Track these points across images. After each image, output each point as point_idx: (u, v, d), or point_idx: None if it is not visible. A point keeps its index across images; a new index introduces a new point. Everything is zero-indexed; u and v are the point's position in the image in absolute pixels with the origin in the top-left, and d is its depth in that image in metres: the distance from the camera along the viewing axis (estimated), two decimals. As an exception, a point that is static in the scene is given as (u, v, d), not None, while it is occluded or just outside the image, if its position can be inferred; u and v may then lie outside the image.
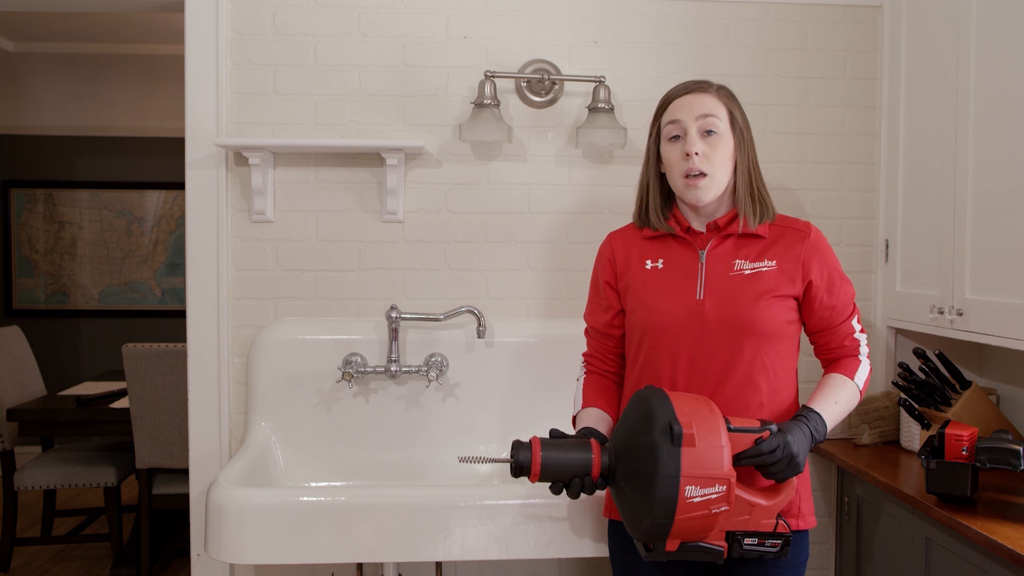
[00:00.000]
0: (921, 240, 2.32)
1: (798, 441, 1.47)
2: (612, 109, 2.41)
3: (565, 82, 2.49)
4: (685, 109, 1.61)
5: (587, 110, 2.43)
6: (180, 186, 5.26)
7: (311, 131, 2.47)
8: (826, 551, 2.61)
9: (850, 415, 2.50)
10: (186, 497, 3.27)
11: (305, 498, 1.87)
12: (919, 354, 2.27)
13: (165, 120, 5.36)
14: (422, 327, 2.45)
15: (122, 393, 3.79)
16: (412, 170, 2.50)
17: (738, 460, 1.41)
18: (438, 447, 2.44)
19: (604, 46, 2.51)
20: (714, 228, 1.65)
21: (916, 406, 2.31)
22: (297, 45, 2.46)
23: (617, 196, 2.51)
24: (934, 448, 1.92)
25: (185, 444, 3.19)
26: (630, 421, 1.43)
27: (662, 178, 1.69)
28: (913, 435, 2.40)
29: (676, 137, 1.62)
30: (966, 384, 2.27)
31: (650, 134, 1.69)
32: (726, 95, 1.64)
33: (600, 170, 2.52)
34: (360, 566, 2.45)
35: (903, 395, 2.39)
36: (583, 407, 1.70)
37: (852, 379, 1.65)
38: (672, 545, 1.39)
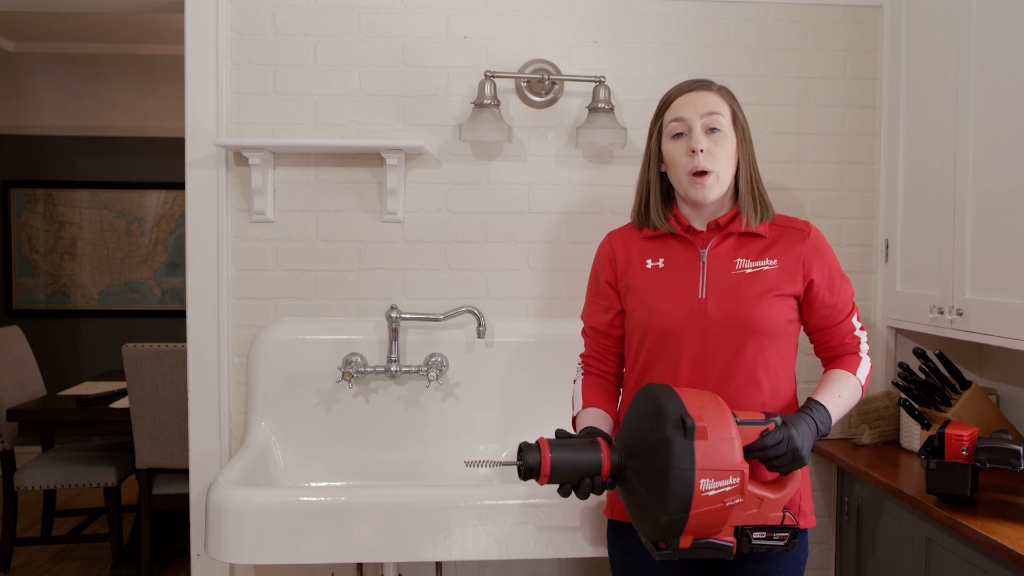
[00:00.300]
0: (921, 240, 2.32)
1: (802, 434, 1.47)
2: (612, 109, 2.41)
3: (565, 82, 2.49)
4: (689, 106, 1.61)
5: (587, 110, 2.43)
6: (180, 186, 5.26)
7: (311, 131, 2.47)
8: (826, 551, 2.61)
9: (850, 415, 2.50)
10: (186, 497, 3.27)
11: (305, 498, 1.87)
12: (919, 354, 2.27)
13: (165, 120, 5.36)
14: (422, 327, 2.45)
15: (122, 393, 3.79)
16: (412, 170, 2.50)
17: (745, 453, 1.40)
18: (438, 447, 2.44)
19: (604, 46, 2.51)
20: (715, 227, 1.65)
21: (916, 406, 2.31)
22: (297, 45, 2.46)
23: (617, 196, 2.52)
24: (934, 448, 1.92)
25: (185, 444, 3.19)
26: (638, 418, 1.42)
27: (662, 177, 1.69)
28: (913, 435, 2.40)
29: (680, 135, 1.62)
30: (966, 384, 2.27)
31: (650, 133, 1.69)
32: (727, 94, 1.65)
33: (600, 170, 2.52)
34: (360, 566, 2.45)
35: (903, 395, 2.39)
36: (583, 407, 1.70)
37: (854, 375, 1.65)
38: (686, 542, 1.37)
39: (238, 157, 2.46)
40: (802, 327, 1.72)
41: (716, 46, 2.53)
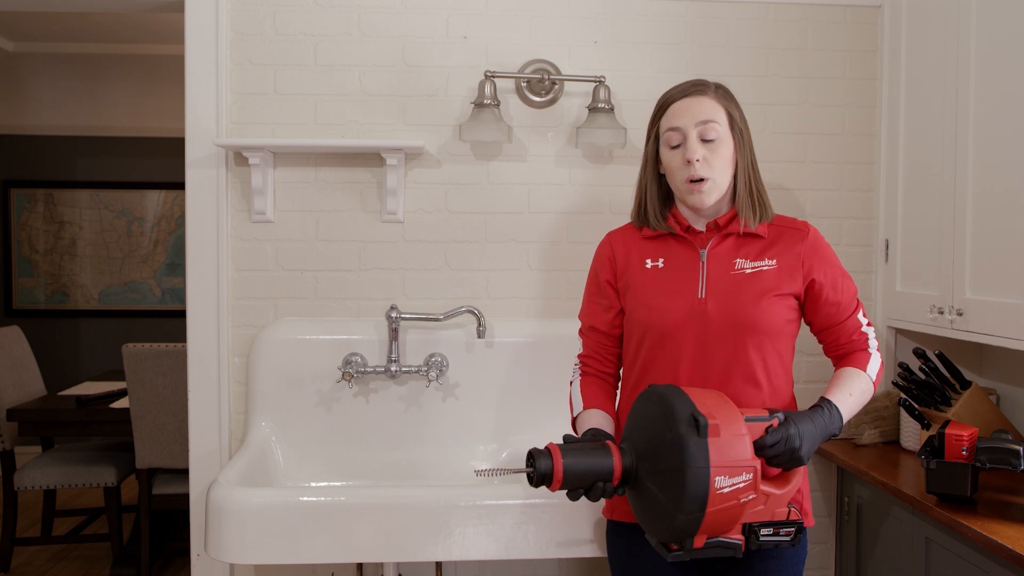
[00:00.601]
0: (921, 240, 2.32)
1: (804, 433, 1.46)
2: (612, 109, 2.41)
3: (565, 82, 2.49)
4: (685, 115, 1.60)
5: (587, 110, 2.43)
6: (180, 186, 5.26)
7: (311, 131, 2.47)
8: (826, 551, 2.61)
9: (850, 415, 2.50)
10: (186, 497, 3.27)
11: (305, 498, 1.87)
12: (919, 354, 2.27)
13: (165, 120, 5.36)
14: (422, 327, 2.45)
15: (122, 393, 3.79)
16: (412, 170, 2.50)
17: None
18: (438, 447, 2.44)
19: (604, 46, 2.51)
20: (714, 227, 1.65)
21: (916, 406, 2.31)
22: (297, 45, 2.46)
23: (617, 196, 2.52)
24: (934, 448, 1.92)
25: (185, 444, 3.19)
26: (646, 419, 1.41)
27: (661, 179, 1.69)
28: (913, 435, 2.40)
29: (676, 144, 1.62)
30: (966, 384, 2.27)
31: (648, 136, 1.69)
32: (724, 96, 1.64)
33: (600, 170, 2.53)
34: (360, 566, 2.45)
35: (903, 395, 2.39)
36: (584, 408, 1.69)
37: (864, 371, 1.65)
38: (699, 541, 1.36)
39: (238, 157, 2.46)
40: (809, 328, 1.72)
41: (716, 46, 2.53)
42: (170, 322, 5.48)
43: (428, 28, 2.48)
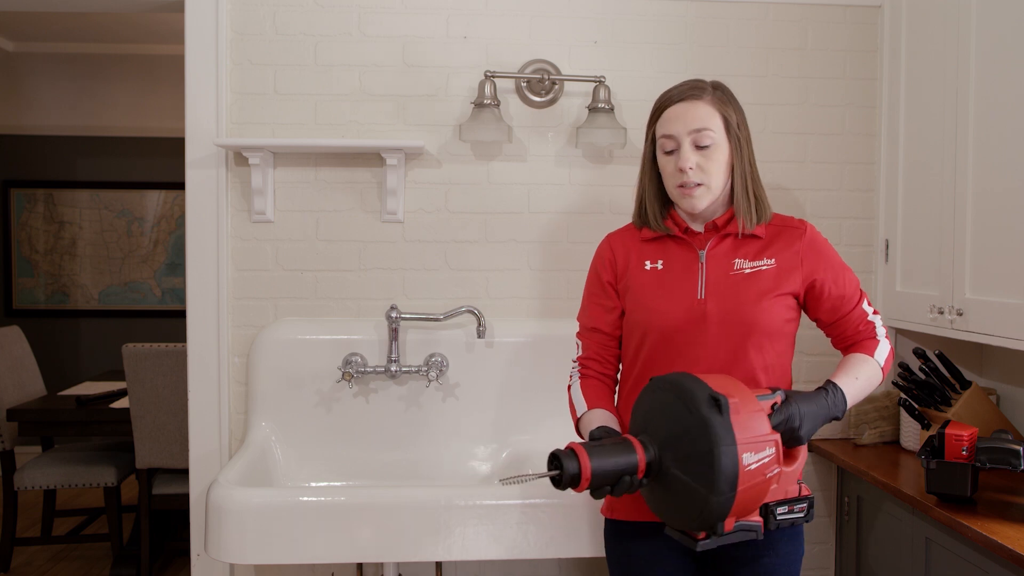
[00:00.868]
0: (921, 240, 2.32)
1: (806, 413, 1.47)
2: (612, 109, 2.41)
3: (565, 82, 2.49)
4: (679, 122, 1.60)
5: (587, 110, 2.43)
6: (180, 186, 5.26)
7: (311, 131, 2.47)
8: (826, 551, 2.61)
9: (850, 415, 2.50)
10: (186, 497, 3.27)
11: (305, 498, 1.87)
12: (919, 354, 2.27)
13: (165, 120, 5.36)
14: (422, 327, 2.45)
15: (122, 393, 3.79)
16: (412, 170, 2.50)
17: None
18: (438, 447, 2.44)
19: (604, 46, 2.51)
20: (712, 228, 1.65)
21: (916, 406, 2.31)
22: (297, 45, 2.46)
23: (617, 196, 2.52)
24: (934, 448, 1.93)
25: (185, 444, 3.19)
26: (662, 407, 1.40)
27: (659, 180, 1.69)
28: (913, 435, 2.40)
29: (670, 151, 1.62)
30: (966, 384, 2.27)
31: (646, 138, 1.69)
32: (720, 99, 1.62)
33: (600, 170, 2.53)
34: (360, 566, 2.45)
35: (903, 395, 2.39)
36: (588, 409, 1.68)
37: (872, 356, 1.65)
38: (730, 524, 1.36)
39: (238, 157, 2.46)
40: (816, 324, 1.72)
41: (716, 46, 2.53)
42: (170, 322, 5.48)
43: (428, 28, 2.48)
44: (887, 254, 2.51)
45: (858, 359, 1.65)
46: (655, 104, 1.67)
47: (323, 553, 1.86)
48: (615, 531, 1.71)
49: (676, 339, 1.60)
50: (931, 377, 2.27)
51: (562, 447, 1.39)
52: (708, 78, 1.71)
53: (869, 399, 2.49)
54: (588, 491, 1.39)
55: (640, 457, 1.37)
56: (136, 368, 3.23)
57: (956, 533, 1.85)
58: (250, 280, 2.49)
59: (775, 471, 1.36)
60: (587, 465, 1.34)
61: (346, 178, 2.49)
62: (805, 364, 2.53)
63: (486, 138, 2.40)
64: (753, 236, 1.65)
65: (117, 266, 5.45)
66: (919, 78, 2.33)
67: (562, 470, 1.35)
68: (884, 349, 1.67)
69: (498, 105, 2.39)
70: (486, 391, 2.45)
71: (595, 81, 2.42)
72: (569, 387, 1.75)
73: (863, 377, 1.62)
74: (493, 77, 2.39)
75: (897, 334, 2.54)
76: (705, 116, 1.59)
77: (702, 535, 1.38)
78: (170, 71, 5.32)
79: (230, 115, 2.46)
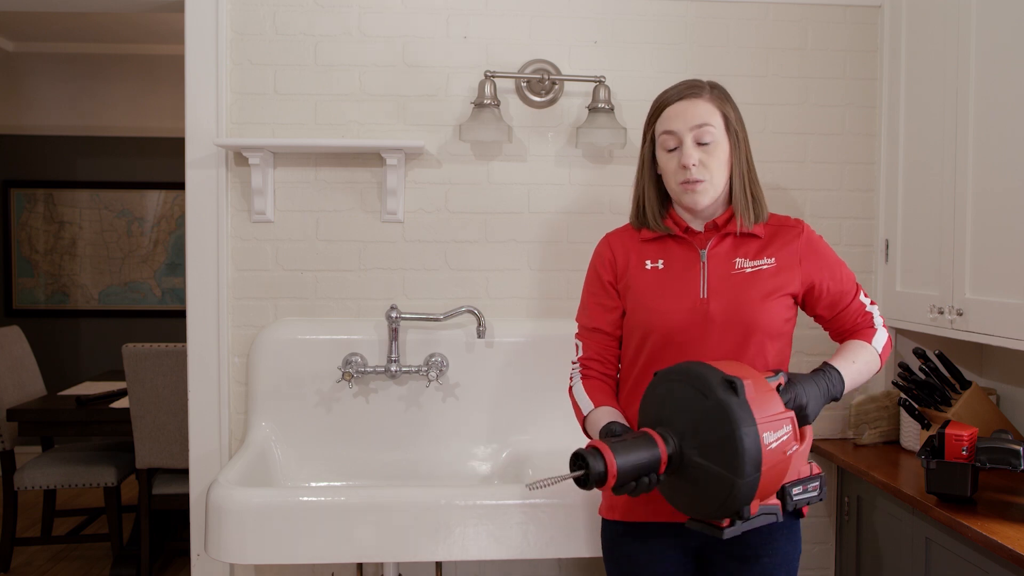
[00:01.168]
0: (921, 240, 2.32)
1: (809, 393, 1.49)
2: (612, 109, 2.41)
3: (565, 82, 2.49)
4: (679, 119, 1.60)
5: (587, 110, 2.43)
6: (180, 186, 5.26)
7: (311, 131, 2.47)
8: (826, 551, 2.61)
9: (850, 415, 2.50)
10: (186, 497, 3.27)
11: (305, 498, 1.87)
12: (919, 354, 2.27)
13: (165, 120, 5.36)
14: (422, 327, 2.45)
15: (122, 393, 3.79)
16: (412, 170, 2.50)
17: None
18: (438, 447, 2.44)
19: (604, 46, 2.51)
20: (713, 227, 1.65)
21: (916, 406, 2.31)
22: (297, 45, 2.46)
23: (617, 196, 2.51)
24: (934, 448, 1.93)
25: (185, 444, 3.19)
26: (675, 398, 1.40)
27: (658, 180, 1.69)
28: (913, 435, 2.40)
29: (671, 147, 1.62)
30: (966, 384, 2.27)
31: (644, 138, 1.69)
32: (719, 97, 1.63)
33: (600, 170, 2.52)
34: (360, 566, 2.45)
35: (903, 395, 2.39)
36: (595, 407, 1.67)
37: (870, 343, 1.67)
38: (755, 507, 1.36)
39: (238, 157, 2.46)
40: (814, 319, 1.74)
41: (716, 46, 2.53)
42: (170, 322, 5.47)
43: (428, 28, 2.48)
44: (887, 254, 2.51)
45: (855, 345, 1.67)
46: (654, 104, 1.67)
47: (323, 553, 1.86)
48: (613, 532, 1.71)
49: (678, 339, 1.61)
50: (931, 377, 2.27)
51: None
52: (705, 78, 1.71)
53: (870, 399, 2.49)
54: (608, 489, 1.37)
55: (662, 449, 1.36)
56: (136, 368, 3.23)
57: (956, 533, 1.85)
58: (250, 280, 2.49)
59: (794, 448, 1.37)
60: (612, 462, 1.33)
61: (346, 178, 2.49)
62: (805, 364, 2.53)
63: (486, 138, 2.40)
64: (752, 235, 1.66)
65: (117, 266, 5.45)
66: (919, 78, 2.33)
67: (588, 469, 1.33)
68: (881, 337, 1.69)
69: (498, 105, 2.39)
70: (486, 391, 2.45)
71: (595, 81, 2.42)
72: (571, 388, 1.75)
73: (860, 362, 1.64)
74: (493, 77, 2.39)
75: (897, 334, 2.54)
76: (706, 113, 1.60)
77: (726, 522, 1.38)
78: (170, 71, 5.32)
79: (230, 115, 2.46)
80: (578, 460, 1.35)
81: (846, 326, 1.71)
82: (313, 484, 2.38)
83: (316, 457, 2.41)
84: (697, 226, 1.67)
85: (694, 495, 1.39)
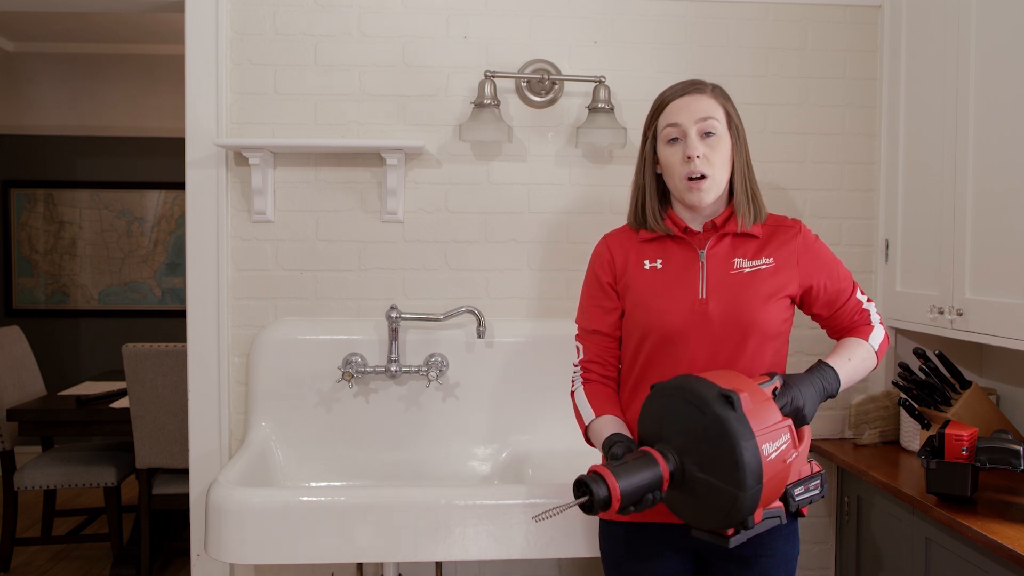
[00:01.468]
0: (921, 240, 2.32)
1: (806, 394, 1.50)
2: (612, 109, 2.41)
3: (565, 82, 2.49)
4: (684, 112, 1.61)
5: (587, 110, 2.43)
6: (180, 186, 5.26)
7: (311, 131, 2.47)
8: (826, 551, 2.61)
9: (850, 415, 2.50)
10: (186, 497, 3.27)
11: (305, 498, 1.87)
12: (919, 354, 2.27)
13: (165, 120, 5.36)
14: (422, 327, 2.45)
15: (122, 393, 3.79)
16: (412, 170, 2.50)
17: None
18: (438, 447, 2.44)
19: (604, 46, 2.51)
20: (711, 227, 1.65)
21: (916, 406, 2.31)
22: (297, 45, 2.46)
23: (617, 196, 2.51)
24: (934, 448, 1.92)
25: (185, 444, 3.19)
26: (673, 413, 1.40)
27: (658, 179, 1.69)
28: (913, 435, 2.40)
29: (675, 140, 1.62)
30: (966, 384, 2.27)
31: (645, 136, 1.69)
32: (721, 95, 1.65)
33: (600, 170, 2.52)
34: (360, 566, 2.45)
35: (903, 395, 2.39)
36: (597, 416, 1.66)
37: (866, 341, 1.68)
38: (759, 516, 1.37)
39: (238, 157, 2.46)
40: (811, 317, 1.74)
41: (716, 46, 2.53)
42: (170, 322, 5.47)
43: (428, 28, 2.48)
44: (887, 254, 2.51)
45: (851, 342, 1.68)
46: (655, 101, 1.67)
47: (323, 553, 1.86)
48: (612, 532, 1.71)
49: (677, 339, 1.61)
50: (931, 377, 2.27)
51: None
52: (704, 79, 1.72)
53: (870, 399, 2.49)
54: (613, 512, 1.38)
55: (663, 468, 1.38)
56: (136, 368, 3.23)
57: (956, 533, 1.85)
58: (250, 280, 2.49)
59: (793, 456, 1.38)
60: (616, 487, 1.34)
61: (346, 178, 2.49)
62: (805, 364, 2.52)
63: (486, 138, 2.40)
64: (750, 235, 1.66)
65: (117, 266, 5.45)
66: (919, 78, 2.33)
67: (592, 495, 1.34)
68: (878, 334, 1.70)
69: (498, 105, 2.39)
70: (486, 391, 2.45)
71: (595, 81, 2.42)
72: (572, 393, 1.74)
73: (856, 359, 1.65)
74: (493, 77, 2.39)
75: (897, 334, 2.54)
76: (709, 108, 1.61)
77: (731, 532, 1.39)
78: (170, 71, 5.32)
79: (230, 115, 2.46)
80: (581, 487, 1.36)
81: (843, 324, 1.71)
82: (313, 484, 2.38)
83: (316, 457, 2.41)
84: (696, 226, 1.67)
85: (697, 508, 1.39)
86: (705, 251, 1.64)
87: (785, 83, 2.55)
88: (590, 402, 1.69)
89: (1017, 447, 1.79)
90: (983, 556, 1.76)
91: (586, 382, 1.73)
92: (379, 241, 2.50)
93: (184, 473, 3.32)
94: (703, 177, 1.59)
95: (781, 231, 1.68)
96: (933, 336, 2.49)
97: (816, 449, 2.50)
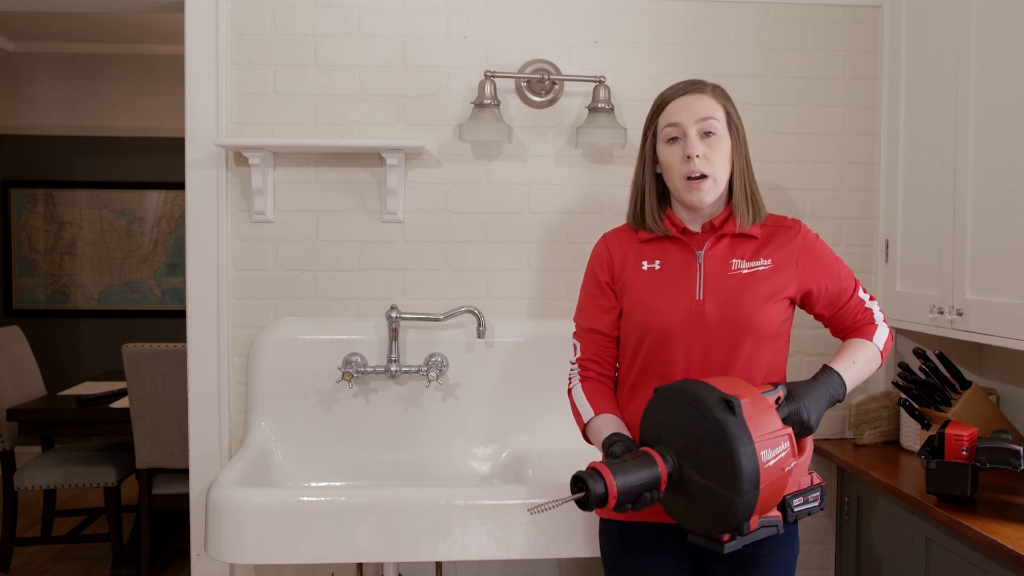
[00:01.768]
0: (921, 240, 2.32)
1: (810, 405, 1.50)
2: (612, 109, 2.41)
3: (565, 82, 2.49)
4: (684, 111, 1.61)
5: (587, 110, 2.43)
6: (180, 186, 5.26)
7: (311, 131, 2.47)
8: (826, 551, 2.61)
9: (850, 415, 2.50)
10: (186, 497, 3.27)
11: (305, 498, 1.87)
12: (919, 354, 2.27)
13: (165, 120, 5.36)
14: (422, 327, 2.45)
15: (122, 393, 3.79)
16: (412, 170, 2.50)
17: None
18: (438, 447, 2.44)
19: (604, 46, 2.51)
20: (709, 228, 1.65)
21: (916, 406, 2.31)
22: (297, 45, 2.46)
23: (617, 196, 2.51)
24: (934, 448, 1.92)
25: (185, 444, 3.19)
26: (674, 416, 1.40)
27: (658, 178, 1.69)
28: (913, 435, 2.40)
29: (675, 139, 1.62)
30: (966, 384, 2.27)
31: (644, 135, 1.69)
32: (721, 95, 1.65)
33: (600, 170, 2.52)
34: (360, 566, 2.45)
35: (903, 395, 2.39)
36: (596, 414, 1.66)
37: (871, 341, 1.68)
38: (755, 523, 1.38)
39: (238, 157, 2.46)
40: (814, 317, 1.74)
41: (716, 46, 2.53)
42: (170, 322, 5.47)
43: (428, 28, 2.48)
44: (887, 254, 2.51)
45: (856, 344, 1.67)
46: (656, 101, 1.67)
47: (323, 553, 1.86)
48: (612, 532, 1.71)
49: (674, 339, 1.60)
50: (931, 377, 2.27)
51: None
52: (704, 79, 1.72)
53: (870, 399, 2.49)
54: (609, 510, 1.39)
55: (661, 469, 1.38)
56: (136, 368, 3.23)
57: (956, 533, 1.85)
58: (250, 280, 2.49)
59: (792, 464, 1.37)
60: (613, 484, 1.34)
61: (346, 178, 2.49)
62: (805, 364, 2.53)
63: (486, 138, 2.40)
64: (749, 236, 1.66)
65: (117, 266, 5.45)
66: (919, 78, 2.33)
67: (588, 491, 1.34)
68: (883, 333, 1.69)
69: (498, 105, 2.39)
70: (486, 391, 2.45)
71: (595, 81, 2.42)
72: (570, 390, 1.74)
73: (861, 360, 1.64)
74: (493, 77, 2.39)
75: (897, 334, 2.54)
76: (710, 107, 1.61)
77: (727, 537, 1.39)
78: (170, 71, 5.32)
79: (230, 115, 2.46)
80: (578, 483, 1.37)
81: (846, 323, 1.71)
82: (313, 484, 2.38)
83: (316, 457, 2.41)
84: (694, 227, 1.67)
85: (694, 511, 1.40)
86: (703, 252, 1.64)
87: (785, 83, 2.55)
88: (588, 400, 1.69)
89: (1017, 447, 1.79)
90: (983, 556, 1.76)
91: (583, 380, 1.73)
92: (379, 241, 2.50)
93: (184, 473, 3.32)
94: (703, 177, 1.59)
95: (781, 232, 1.67)
96: (933, 336, 2.49)
97: (816, 449, 2.50)
